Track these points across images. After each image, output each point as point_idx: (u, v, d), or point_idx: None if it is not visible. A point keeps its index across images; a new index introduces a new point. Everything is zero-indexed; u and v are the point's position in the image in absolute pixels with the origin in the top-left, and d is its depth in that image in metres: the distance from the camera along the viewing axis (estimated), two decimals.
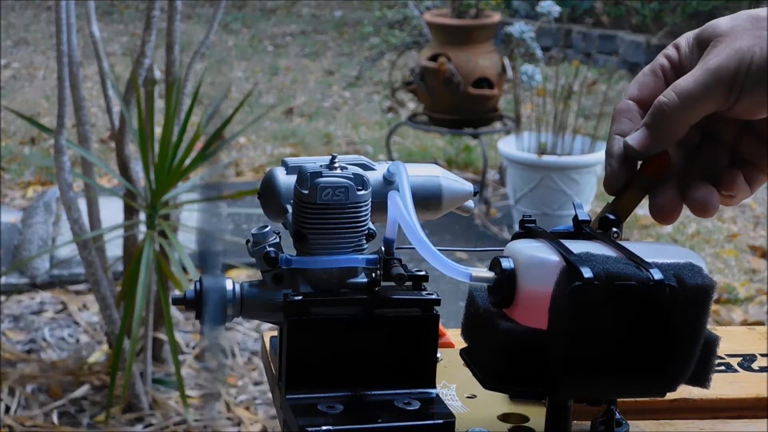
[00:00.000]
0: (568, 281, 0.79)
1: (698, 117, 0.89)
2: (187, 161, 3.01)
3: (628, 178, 0.91)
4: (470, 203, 1.00)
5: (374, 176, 0.92)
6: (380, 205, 0.91)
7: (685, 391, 0.89)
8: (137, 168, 3.11)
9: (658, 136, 0.89)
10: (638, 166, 0.92)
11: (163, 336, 3.18)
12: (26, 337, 3.48)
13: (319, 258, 0.89)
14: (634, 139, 0.90)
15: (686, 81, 0.88)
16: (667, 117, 0.88)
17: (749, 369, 1.07)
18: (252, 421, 3.03)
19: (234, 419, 3.04)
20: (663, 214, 0.91)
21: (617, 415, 0.88)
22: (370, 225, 0.91)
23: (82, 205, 3.05)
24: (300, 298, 0.88)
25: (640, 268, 0.80)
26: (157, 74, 3.15)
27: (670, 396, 0.85)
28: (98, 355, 3.32)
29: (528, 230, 0.89)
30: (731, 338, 1.13)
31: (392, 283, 0.89)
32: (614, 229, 0.89)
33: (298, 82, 7.25)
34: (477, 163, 5.38)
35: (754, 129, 0.93)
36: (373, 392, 0.89)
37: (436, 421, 0.86)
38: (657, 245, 0.88)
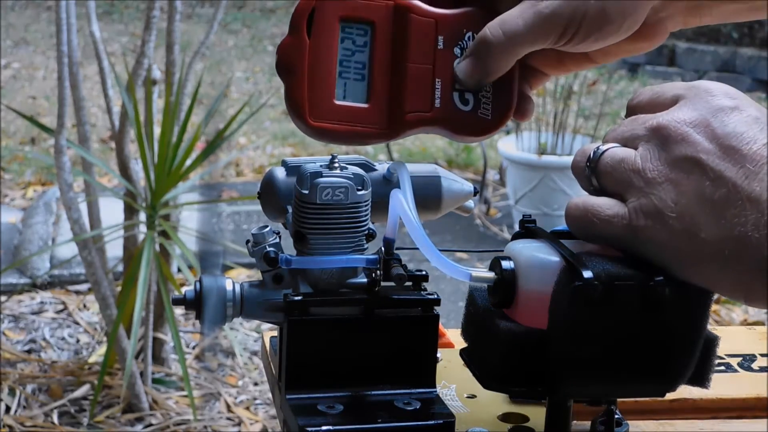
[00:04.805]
0: (568, 281, 0.79)
1: (523, 54, 0.87)
2: (188, 162, 3.01)
3: None
4: (470, 203, 1.00)
5: (374, 176, 0.92)
6: (380, 205, 0.91)
7: (685, 391, 0.89)
8: (137, 168, 3.11)
9: (483, 69, 0.87)
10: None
11: (163, 336, 3.18)
12: (26, 337, 3.48)
13: (319, 258, 0.89)
14: (461, 68, 0.89)
15: (515, 21, 0.86)
16: (492, 53, 0.87)
17: (749, 369, 1.07)
18: (252, 421, 3.03)
19: (234, 419, 3.04)
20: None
21: (617, 415, 0.87)
22: (370, 225, 0.91)
23: (82, 205, 3.05)
24: (300, 298, 0.88)
25: (640, 267, 0.80)
26: (157, 74, 3.14)
27: (670, 396, 0.85)
28: (98, 355, 3.31)
29: (528, 230, 0.88)
30: (731, 338, 1.13)
31: (392, 283, 0.89)
32: None
33: None
34: (477, 163, 5.38)
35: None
36: (373, 392, 0.89)
37: (436, 421, 0.86)
38: None
